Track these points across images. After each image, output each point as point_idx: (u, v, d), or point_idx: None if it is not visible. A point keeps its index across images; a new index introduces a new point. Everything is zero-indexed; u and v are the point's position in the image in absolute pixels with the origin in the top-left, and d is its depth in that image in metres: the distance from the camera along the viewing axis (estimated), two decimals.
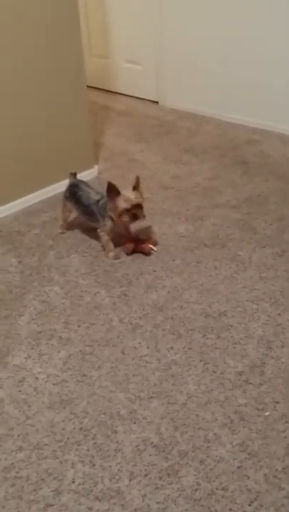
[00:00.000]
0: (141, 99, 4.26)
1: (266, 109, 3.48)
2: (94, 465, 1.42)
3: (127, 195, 2.13)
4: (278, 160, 3.09)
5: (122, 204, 2.12)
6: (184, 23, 3.67)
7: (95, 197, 2.27)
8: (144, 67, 4.12)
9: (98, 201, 2.24)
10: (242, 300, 1.99)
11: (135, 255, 2.29)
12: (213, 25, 3.51)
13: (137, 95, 4.29)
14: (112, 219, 2.19)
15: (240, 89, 3.55)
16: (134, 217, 2.14)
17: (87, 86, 2.86)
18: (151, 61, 4.04)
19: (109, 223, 2.22)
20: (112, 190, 2.11)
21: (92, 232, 2.37)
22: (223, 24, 3.45)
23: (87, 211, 2.29)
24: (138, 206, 2.15)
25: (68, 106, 2.73)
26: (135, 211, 2.13)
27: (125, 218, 2.14)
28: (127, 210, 2.12)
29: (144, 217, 2.16)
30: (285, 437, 1.46)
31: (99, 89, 4.47)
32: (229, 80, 3.60)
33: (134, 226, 2.16)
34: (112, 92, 4.46)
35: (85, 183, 2.38)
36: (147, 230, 2.22)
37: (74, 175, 2.42)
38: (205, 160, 3.14)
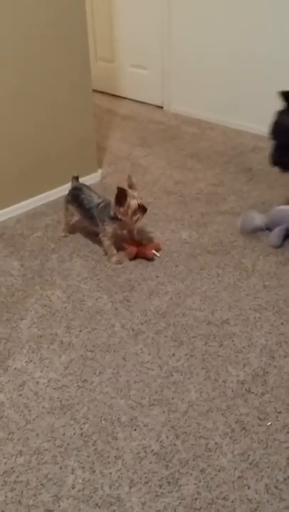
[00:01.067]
0: (146, 103, 4.26)
1: (272, 116, 3.48)
2: (94, 471, 1.41)
3: (132, 194, 2.14)
4: None
5: (133, 202, 2.12)
6: (190, 29, 3.68)
7: (96, 200, 2.27)
8: (149, 71, 4.12)
9: (98, 204, 2.24)
10: (245, 308, 1.99)
11: (138, 260, 2.29)
12: (220, 32, 3.51)
13: (141, 100, 4.29)
14: (119, 221, 2.19)
15: (246, 96, 3.56)
16: (144, 211, 2.17)
17: (93, 90, 2.86)
18: (156, 66, 4.04)
19: (108, 227, 2.22)
20: (122, 195, 2.11)
21: (94, 236, 2.37)
22: (229, 31, 3.45)
23: (88, 215, 2.28)
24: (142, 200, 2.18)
25: (73, 109, 2.73)
26: (144, 205, 2.16)
27: (138, 215, 2.15)
28: (139, 206, 2.14)
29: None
30: (286, 448, 1.45)
31: (104, 93, 4.47)
32: (235, 87, 3.60)
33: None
34: (117, 96, 4.46)
35: (87, 187, 2.38)
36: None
37: (76, 178, 2.42)
38: (209, 166, 3.13)
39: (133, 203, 2.12)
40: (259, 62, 3.39)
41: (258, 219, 2.41)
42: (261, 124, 3.52)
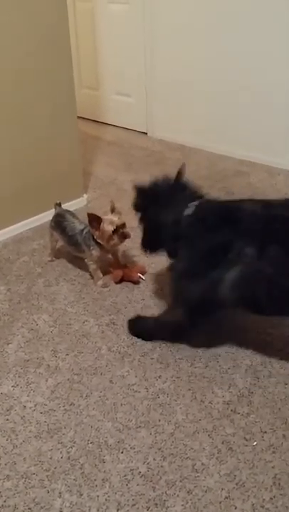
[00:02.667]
0: (130, 130, 4.34)
1: (254, 141, 3.57)
2: (81, 494, 1.41)
3: (110, 218, 2.16)
4: (265, 191, 3.15)
5: (107, 227, 2.14)
6: (173, 57, 3.78)
7: (79, 226, 2.29)
8: (133, 99, 4.21)
9: (82, 230, 2.27)
10: (230, 330, 2.01)
11: (124, 284, 2.31)
12: (202, 60, 3.61)
13: (126, 126, 4.37)
14: (101, 246, 2.22)
15: (229, 122, 3.64)
16: (123, 237, 2.18)
17: (78, 116, 2.91)
18: (140, 93, 4.13)
19: (95, 252, 2.24)
20: (94, 220, 2.14)
21: (80, 261, 2.39)
22: (211, 58, 3.55)
23: (72, 241, 2.31)
24: (123, 226, 2.18)
25: (59, 136, 2.78)
26: (122, 231, 2.17)
27: (114, 240, 2.17)
28: (114, 232, 2.15)
29: (129, 236, 2.20)
30: (272, 467, 1.46)
31: (89, 119, 4.54)
32: (217, 113, 3.69)
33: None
34: (102, 122, 4.54)
35: (71, 213, 2.40)
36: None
37: (59, 205, 2.44)
38: None
39: (107, 227, 2.14)
40: (241, 89, 3.48)
41: None
42: (244, 149, 3.62)
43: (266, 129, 3.46)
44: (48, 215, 2.67)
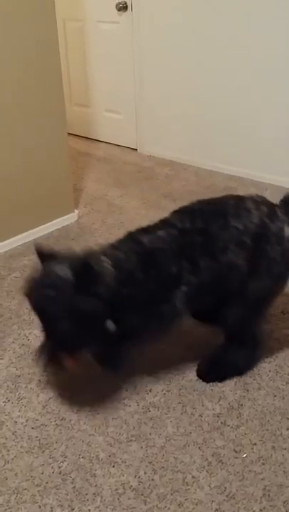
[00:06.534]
0: (120, 146, 4.39)
1: (243, 157, 3.62)
2: (73, 509, 1.42)
3: None
4: None
5: None
6: (162, 74, 3.84)
7: None
8: (123, 116, 4.26)
9: None
10: (219, 342, 2.03)
11: None
12: (189, 77, 3.67)
13: (116, 143, 4.42)
14: None
15: (218, 138, 3.70)
16: None
17: (69, 133, 2.95)
18: (129, 110, 4.18)
19: None
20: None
21: None
22: (199, 76, 3.62)
23: None
24: None
25: (50, 152, 2.81)
26: None
27: None
28: None
29: None
30: (262, 479, 1.48)
31: (80, 136, 4.59)
32: (206, 129, 3.74)
33: None
34: (92, 139, 4.59)
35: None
36: None
37: None
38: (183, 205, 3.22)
39: None
40: (229, 105, 3.54)
41: None
42: (232, 165, 3.67)
43: (254, 145, 3.52)
44: (40, 231, 2.70)
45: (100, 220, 3.05)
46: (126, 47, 3.95)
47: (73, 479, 1.50)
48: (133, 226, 2.96)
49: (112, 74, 4.16)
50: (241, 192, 3.38)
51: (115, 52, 4.05)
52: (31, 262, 2.64)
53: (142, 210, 3.19)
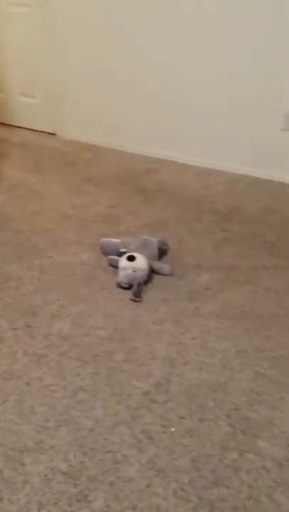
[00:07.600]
0: (38, 131, 4.29)
1: (163, 139, 3.63)
2: (1, 499, 1.38)
3: None
4: (175, 187, 3.23)
5: None
6: (77, 58, 3.77)
7: None
8: (38, 100, 4.17)
9: None
10: (146, 322, 2.04)
11: (38, 285, 2.28)
12: (107, 58, 3.63)
13: (34, 128, 4.32)
14: None
15: (138, 121, 3.69)
16: None
17: None
18: (45, 94, 4.09)
19: None
20: None
21: None
22: (114, 58, 3.58)
23: None
24: None
25: None
26: None
27: None
28: None
29: None
30: (190, 451, 1.50)
31: None
32: (126, 112, 3.72)
33: None
34: (8, 125, 4.46)
35: None
36: None
37: None
38: (105, 189, 3.20)
39: None
40: (150, 87, 3.54)
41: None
42: (153, 147, 3.68)
43: (175, 127, 3.54)
44: None
45: (21, 207, 2.97)
46: (38, 29, 3.86)
47: (1, 470, 1.46)
48: (56, 212, 2.93)
49: (25, 57, 4.05)
50: (163, 173, 3.41)
51: (27, 36, 3.94)
52: None
53: (64, 196, 3.14)
